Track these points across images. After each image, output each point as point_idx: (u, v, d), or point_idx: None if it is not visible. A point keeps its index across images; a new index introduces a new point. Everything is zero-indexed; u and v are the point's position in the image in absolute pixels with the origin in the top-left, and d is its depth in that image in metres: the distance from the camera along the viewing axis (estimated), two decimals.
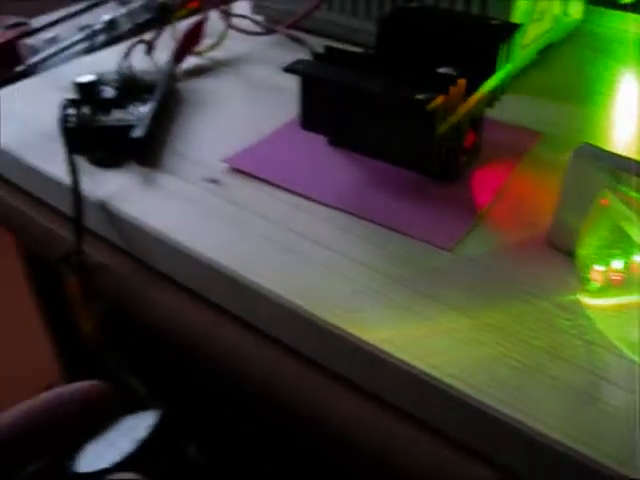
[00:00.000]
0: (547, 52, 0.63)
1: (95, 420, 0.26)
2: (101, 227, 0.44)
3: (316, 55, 0.42)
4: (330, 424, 0.35)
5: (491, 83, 0.44)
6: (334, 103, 0.41)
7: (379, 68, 0.40)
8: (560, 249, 0.38)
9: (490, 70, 0.43)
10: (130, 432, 0.25)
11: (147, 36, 0.60)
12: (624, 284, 0.31)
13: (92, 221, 0.44)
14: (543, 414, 0.29)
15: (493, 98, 0.45)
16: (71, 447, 0.25)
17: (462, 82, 0.39)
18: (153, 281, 0.41)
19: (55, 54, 0.66)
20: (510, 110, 0.52)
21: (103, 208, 0.42)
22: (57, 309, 0.73)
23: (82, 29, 0.70)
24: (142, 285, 0.42)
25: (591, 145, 0.36)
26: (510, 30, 0.44)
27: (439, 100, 0.37)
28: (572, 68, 0.62)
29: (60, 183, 0.44)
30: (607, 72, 0.61)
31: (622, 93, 0.57)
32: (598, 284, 0.32)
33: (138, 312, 0.43)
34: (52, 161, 0.46)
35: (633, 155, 0.35)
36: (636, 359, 0.31)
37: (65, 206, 0.45)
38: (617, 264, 0.31)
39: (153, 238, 0.40)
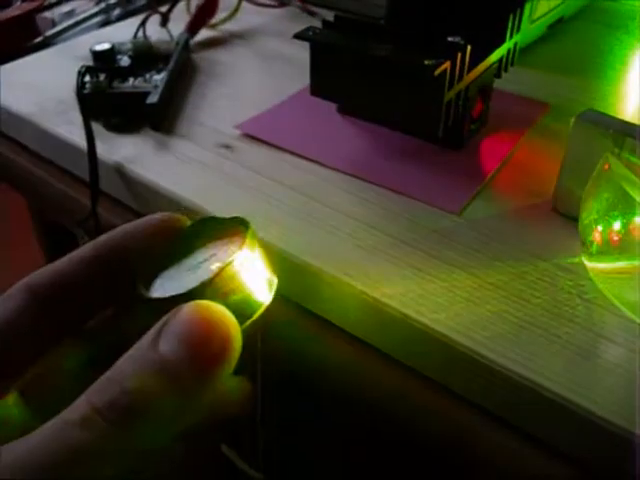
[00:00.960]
0: (557, 27, 0.63)
1: (167, 248, 0.24)
2: (116, 190, 0.45)
3: (326, 23, 0.43)
4: (338, 383, 0.37)
5: (499, 53, 0.44)
6: (343, 69, 0.42)
7: (388, 36, 0.40)
8: (564, 214, 0.38)
9: (499, 40, 0.44)
10: (212, 258, 0.23)
11: (162, 8, 0.61)
12: (624, 246, 0.32)
13: (107, 184, 0.45)
14: (545, 369, 0.29)
15: (501, 69, 0.46)
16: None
17: (469, 49, 0.39)
18: None
19: (71, 27, 0.67)
20: (519, 82, 0.52)
21: (118, 171, 0.43)
22: None
23: (98, 3, 0.71)
24: None
25: (594, 110, 0.36)
26: (520, 1, 0.45)
27: (446, 65, 0.37)
28: (582, 42, 0.62)
29: (76, 147, 0.45)
30: (618, 47, 0.61)
31: (633, 67, 0.57)
32: (598, 244, 0.33)
33: None
34: (69, 126, 0.47)
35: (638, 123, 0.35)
36: (636, 319, 0.32)
37: (81, 170, 0.46)
38: (617, 225, 0.32)
39: (168, 200, 0.41)
